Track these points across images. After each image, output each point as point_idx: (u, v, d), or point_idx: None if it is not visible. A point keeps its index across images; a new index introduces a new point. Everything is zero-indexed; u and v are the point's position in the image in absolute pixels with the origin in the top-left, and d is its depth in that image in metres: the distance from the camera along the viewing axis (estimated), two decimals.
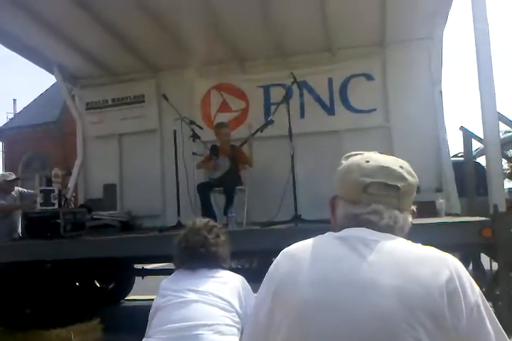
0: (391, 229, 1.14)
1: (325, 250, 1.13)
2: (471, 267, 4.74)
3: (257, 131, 5.57)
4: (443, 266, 1.06)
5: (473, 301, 1.05)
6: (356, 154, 1.23)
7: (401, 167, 1.17)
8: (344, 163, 1.22)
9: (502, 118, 4.37)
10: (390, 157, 1.21)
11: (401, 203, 1.15)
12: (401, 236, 1.14)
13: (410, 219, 1.19)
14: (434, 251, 1.10)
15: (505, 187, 5.19)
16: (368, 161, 1.17)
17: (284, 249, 1.20)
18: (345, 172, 1.19)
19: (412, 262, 1.06)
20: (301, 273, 1.09)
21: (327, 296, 1.05)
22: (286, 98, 5.31)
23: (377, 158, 1.18)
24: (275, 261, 1.19)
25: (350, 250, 1.09)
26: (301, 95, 6.24)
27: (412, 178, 1.17)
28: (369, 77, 6.34)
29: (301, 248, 1.17)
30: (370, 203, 1.14)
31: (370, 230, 1.13)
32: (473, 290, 1.07)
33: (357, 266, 1.06)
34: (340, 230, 1.17)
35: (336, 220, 1.22)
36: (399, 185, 1.14)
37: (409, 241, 1.13)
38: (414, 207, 1.21)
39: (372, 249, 1.08)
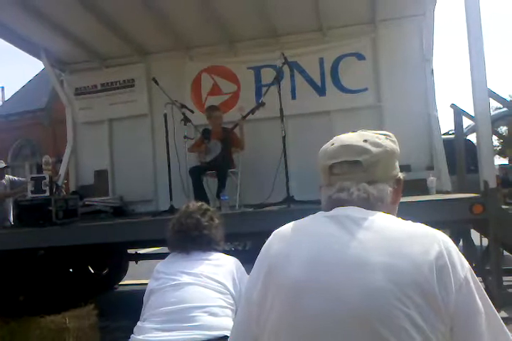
0: (367, 202, 1.14)
1: (315, 229, 1.13)
2: (461, 243, 4.79)
3: (249, 113, 5.54)
4: (432, 242, 1.06)
5: (463, 276, 1.05)
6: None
7: (365, 140, 1.17)
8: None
9: (492, 94, 4.36)
10: (357, 133, 1.21)
11: (370, 175, 1.15)
12: (385, 208, 1.14)
13: (390, 188, 1.18)
14: (423, 228, 1.10)
15: (495, 164, 5.23)
16: (333, 144, 1.20)
17: (275, 230, 1.20)
18: (318, 160, 1.22)
19: (401, 239, 1.06)
20: (292, 253, 1.10)
21: (318, 275, 1.05)
22: (278, 79, 5.26)
23: (342, 139, 1.20)
24: (267, 242, 1.19)
25: (340, 228, 1.09)
26: (292, 76, 6.19)
27: (378, 148, 1.16)
28: (360, 57, 6.30)
29: (293, 228, 1.17)
30: (336, 182, 1.16)
31: (358, 208, 1.12)
32: (463, 266, 1.07)
33: (347, 244, 1.06)
34: None
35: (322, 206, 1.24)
36: (360, 159, 1.14)
37: (399, 219, 1.13)
38: (400, 175, 1.20)
39: (362, 227, 1.08)
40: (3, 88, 23.99)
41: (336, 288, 1.03)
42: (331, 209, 1.16)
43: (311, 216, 1.19)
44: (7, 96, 22.06)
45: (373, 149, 1.15)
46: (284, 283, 1.08)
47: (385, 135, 1.21)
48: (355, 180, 1.14)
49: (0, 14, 5.65)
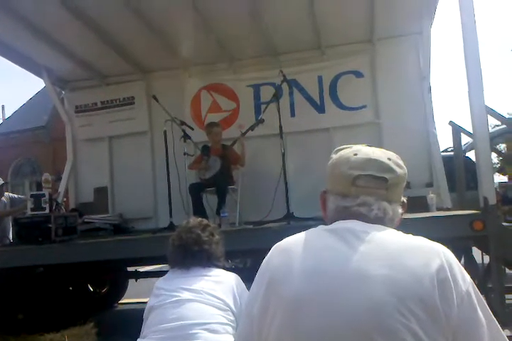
0: (381, 221, 1.14)
1: (316, 242, 1.14)
2: (463, 261, 4.76)
3: (248, 130, 5.57)
4: (433, 255, 1.06)
5: (465, 290, 1.05)
6: (345, 148, 1.23)
7: (389, 159, 1.17)
8: (334, 156, 1.23)
9: (490, 112, 4.38)
10: (378, 149, 1.21)
11: (390, 194, 1.15)
12: (391, 228, 1.15)
13: (400, 210, 1.19)
14: (424, 241, 1.11)
15: (495, 182, 5.23)
16: (356, 154, 1.18)
17: (276, 243, 1.20)
18: (335, 166, 1.20)
19: (402, 252, 1.06)
20: (292, 266, 1.10)
21: (319, 288, 1.05)
22: (277, 97, 5.31)
23: (365, 151, 1.19)
24: (267, 255, 1.19)
25: (341, 242, 1.09)
26: (291, 93, 6.25)
27: (400, 169, 1.17)
28: (358, 74, 6.37)
29: (293, 241, 1.17)
30: (358, 195, 1.14)
31: (360, 222, 1.13)
32: (464, 279, 1.07)
33: (347, 257, 1.06)
34: (331, 223, 1.18)
35: (327, 214, 1.23)
36: (387, 176, 1.14)
37: (400, 232, 1.14)
38: (404, 199, 1.21)
39: (363, 240, 1.08)
40: (3, 106, 24.13)
41: (337, 301, 1.02)
42: (339, 218, 1.16)
43: (311, 229, 1.19)
44: (7, 115, 22.17)
45: (397, 169, 1.16)
46: (285, 297, 1.07)
47: (397, 156, 1.21)
48: (376, 197, 1.14)
49: (2, 33, 5.71)
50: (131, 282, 6.81)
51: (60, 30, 5.73)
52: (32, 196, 5.00)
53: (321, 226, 1.18)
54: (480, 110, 4.05)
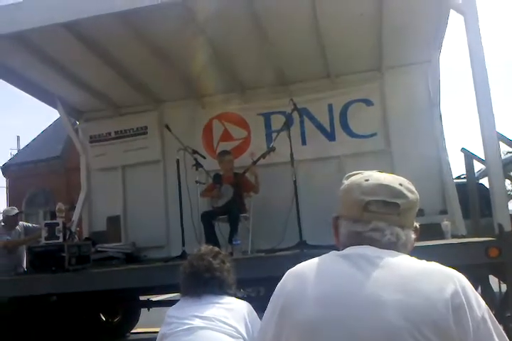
0: (394, 246, 1.14)
1: (329, 268, 1.14)
2: (479, 289, 4.67)
3: (259, 158, 5.61)
4: (448, 280, 1.06)
5: (480, 316, 1.05)
6: (356, 173, 1.25)
7: (400, 184, 1.18)
8: (345, 182, 1.24)
9: (502, 138, 4.39)
10: (390, 175, 1.22)
11: (402, 220, 1.16)
12: (404, 253, 1.15)
13: (413, 236, 1.19)
14: (438, 266, 1.11)
15: (510, 208, 5.17)
16: (367, 180, 1.19)
17: (289, 269, 1.21)
18: (346, 192, 1.21)
19: (416, 277, 1.06)
20: (306, 292, 1.10)
21: (333, 313, 1.05)
22: (287, 125, 5.36)
23: (376, 177, 1.20)
24: (281, 281, 1.20)
25: (354, 267, 1.10)
26: (302, 122, 6.30)
27: (412, 195, 1.18)
28: (368, 103, 6.42)
29: (306, 267, 1.18)
30: (371, 221, 1.15)
31: (372, 247, 1.13)
32: (479, 305, 1.06)
33: (361, 282, 1.06)
34: (343, 249, 1.18)
35: (339, 240, 1.23)
36: (398, 202, 1.15)
37: (413, 257, 1.14)
38: (417, 224, 1.21)
39: (376, 266, 1.08)
40: (18, 137, 24.55)
41: (351, 327, 1.02)
42: (351, 243, 1.17)
43: (324, 255, 1.19)
44: (22, 145, 22.52)
45: (409, 195, 1.17)
46: (299, 323, 1.07)
47: (408, 182, 1.22)
48: (388, 222, 1.15)
49: (17, 64, 5.84)
50: (144, 311, 6.76)
51: (75, 61, 5.87)
52: (46, 225, 5.05)
53: (334, 252, 1.18)
54: (491, 136, 4.05)
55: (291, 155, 5.11)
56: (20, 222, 6.31)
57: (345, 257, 1.13)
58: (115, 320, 6.94)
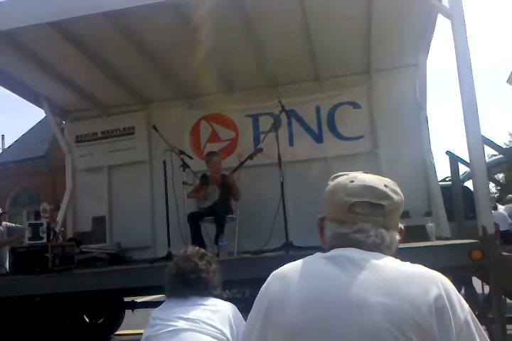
0: (378, 247, 1.14)
1: (313, 270, 1.14)
2: (463, 291, 4.72)
3: (247, 159, 5.61)
4: (431, 283, 1.06)
5: (463, 318, 1.05)
6: (342, 175, 1.24)
7: (385, 186, 1.18)
8: (331, 183, 1.23)
9: (487, 142, 4.43)
10: (375, 176, 1.22)
11: (387, 221, 1.16)
12: (389, 255, 1.15)
13: (398, 237, 1.19)
14: (422, 269, 1.11)
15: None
16: (352, 181, 1.18)
17: (274, 271, 1.20)
18: (331, 193, 1.20)
19: (400, 280, 1.06)
20: (290, 294, 1.10)
21: (316, 316, 1.05)
22: (275, 126, 5.37)
23: (362, 178, 1.19)
24: (265, 283, 1.19)
25: (338, 269, 1.10)
26: (290, 123, 6.31)
27: (397, 196, 1.18)
28: (356, 105, 6.45)
29: (290, 269, 1.17)
30: (356, 222, 1.15)
31: (357, 249, 1.13)
32: (463, 308, 1.07)
33: (345, 285, 1.06)
34: (329, 250, 1.18)
35: (324, 241, 1.23)
36: (383, 203, 1.15)
37: (398, 260, 1.14)
38: (401, 226, 1.22)
39: (360, 268, 1.08)
40: (3, 136, 24.27)
41: (335, 330, 1.02)
42: (336, 245, 1.17)
43: (309, 257, 1.19)
44: (7, 144, 22.26)
45: (394, 196, 1.17)
46: (283, 325, 1.07)
47: (394, 183, 1.22)
48: (373, 224, 1.15)
49: (2, 62, 5.78)
50: (128, 313, 6.71)
51: (62, 61, 5.82)
52: (30, 225, 4.99)
53: (319, 254, 1.18)
54: (476, 140, 4.09)
55: (279, 156, 5.12)
56: (4, 222, 6.23)
57: (330, 259, 1.13)
58: (99, 321, 6.88)
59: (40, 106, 6.94)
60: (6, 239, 6.01)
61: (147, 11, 4.62)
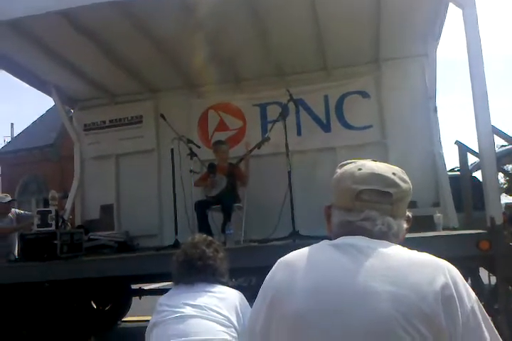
0: (385, 236, 1.13)
1: (320, 258, 1.13)
2: (469, 281, 4.71)
3: (254, 147, 5.61)
4: (438, 272, 1.05)
5: (470, 307, 1.05)
6: (350, 162, 1.24)
7: (394, 173, 1.17)
8: (338, 171, 1.23)
9: (497, 132, 4.39)
10: (383, 164, 1.21)
11: (394, 209, 1.15)
12: (396, 243, 1.14)
13: (405, 225, 1.19)
14: (429, 257, 1.10)
15: (502, 202, 5.20)
16: (360, 169, 1.18)
17: (280, 258, 1.20)
18: (339, 180, 1.20)
19: (407, 268, 1.06)
20: (296, 282, 1.09)
21: (322, 304, 1.04)
22: (283, 116, 5.35)
23: (370, 166, 1.19)
24: (271, 271, 1.19)
25: (345, 257, 1.09)
26: (298, 113, 6.29)
27: (405, 184, 1.17)
28: (364, 95, 6.41)
29: (296, 256, 1.17)
30: (363, 210, 1.14)
31: (364, 237, 1.13)
32: (470, 297, 1.06)
33: (351, 272, 1.06)
34: (335, 238, 1.17)
35: (331, 229, 1.22)
36: (391, 191, 1.14)
37: (405, 248, 1.13)
38: (409, 214, 1.21)
39: (367, 256, 1.08)
40: (12, 124, 24.39)
41: (340, 318, 1.02)
42: (343, 233, 1.16)
43: (315, 245, 1.18)
44: (16, 132, 22.37)
45: (402, 184, 1.16)
46: (288, 313, 1.07)
47: (402, 171, 1.21)
48: (381, 212, 1.14)
49: (12, 51, 5.80)
50: (135, 300, 6.78)
51: (70, 49, 5.83)
52: (39, 212, 5.03)
53: (325, 241, 1.17)
54: (486, 130, 4.06)
55: (286, 145, 5.11)
56: (13, 209, 6.29)
57: (337, 247, 1.13)
58: (106, 308, 6.95)
59: (49, 95, 6.97)
60: (15, 226, 6.07)
61: (156, 0, 4.60)
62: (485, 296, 4.27)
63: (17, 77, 6.46)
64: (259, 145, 5.55)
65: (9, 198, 6.26)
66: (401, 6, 5.15)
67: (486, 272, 4.58)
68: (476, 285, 4.41)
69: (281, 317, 1.08)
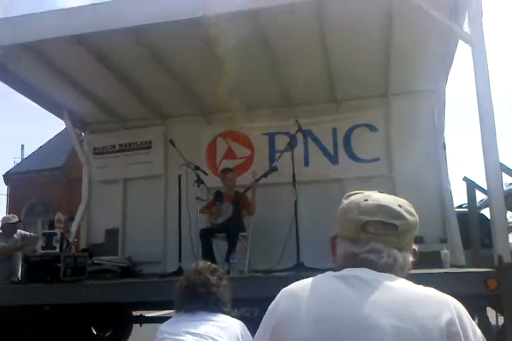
0: (390, 268, 1.13)
1: (324, 289, 1.13)
2: (476, 321, 4.61)
3: (261, 177, 5.62)
4: (444, 307, 1.05)
5: None
6: (356, 193, 1.24)
7: (399, 206, 1.17)
8: (344, 201, 1.23)
9: (505, 169, 4.39)
10: (389, 196, 1.21)
11: (400, 242, 1.15)
12: (401, 276, 1.13)
13: (411, 258, 1.18)
14: (435, 292, 1.09)
15: (511, 241, 5.13)
16: (366, 200, 1.18)
17: (284, 288, 1.19)
18: (345, 211, 1.20)
19: (412, 302, 1.05)
20: (300, 312, 1.09)
21: (326, 335, 1.03)
22: (291, 146, 5.39)
23: (376, 197, 1.19)
24: (274, 300, 1.18)
25: (349, 289, 1.09)
26: (306, 143, 6.34)
27: (411, 217, 1.17)
28: (372, 128, 6.45)
29: (301, 286, 1.16)
30: (368, 242, 1.13)
31: (369, 270, 1.12)
32: (475, 333, 1.05)
33: (356, 305, 1.05)
34: (340, 269, 1.17)
35: (336, 259, 1.22)
36: (397, 223, 1.14)
37: (411, 282, 1.12)
38: (415, 247, 1.20)
39: (372, 288, 1.07)
40: (23, 146, 24.65)
41: None
42: (348, 264, 1.15)
43: (320, 275, 1.18)
44: (26, 154, 22.58)
45: (408, 216, 1.16)
46: None
47: (408, 203, 1.20)
48: (386, 244, 1.13)
49: (27, 73, 5.91)
50: (136, 327, 6.67)
51: (84, 73, 5.94)
52: (44, 234, 5.03)
53: (330, 272, 1.17)
54: (494, 167, 4.05)
55: (293, 175, 5.13)
56: (19, 230, 6.30)
57: (341, 278, 1.12)
58: (106, 334, 6.85)
59: (61, 118, 7.07)
60: (19, 245, 6.06)
61: (169, 28, 4.71)
62: (492, 337, 4.18)
63: (31, 99, 6.56)
64: (266, 175, 5.57)
65: (16, 219, 6.29)
66: (410, 42, 5.24)
67: (494, 312, 4.48)
68: (484, 325, 4.31)
69: None
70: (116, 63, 5.73)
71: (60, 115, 7.06)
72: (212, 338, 2.10)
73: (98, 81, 6.10)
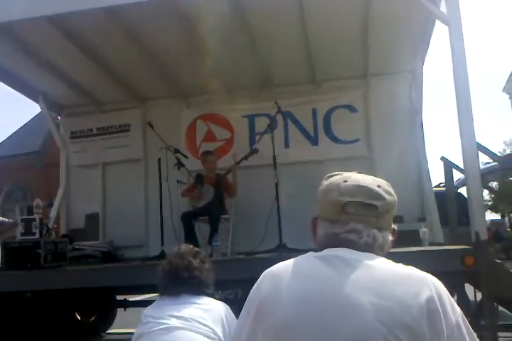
0: (370, 248, 1.14)
1: (305, 269, 1.14)
2: (455, 297, 4.73)
3: (242, 159, 5.61)
4: (423, 285, 1.06)
5: (454, 321, 1.06)
6: (336, 174, 1.24)
7: (379, 186, 1.18)
8: (324, 183, 1.23)
9: (482, 149, 4.45)
10: (368, 176, 1.22)
11: (380, 222, 1.16)
12: (381, 256, 1.15)
13: (391, 237, 1.20)
14: (414, 271, 1.11)
15: (488, 219, 5.25)
16: (346, 181, 1.18)
17: (266, 270, 1.20)
18: (325, 192, 1.20)
19: (392, 281, 1.06)
20: (281, 293, 1.10)
21: (307, 315, 1.05)
22: (271, 127, 5.38)
23: (355, 178, 1.19)
24: (257, 282, 1.19)
25: (330, 269, 1.10)
26: (286, 125, 6.34)
27: (390, 197, 1.18)
28: (352, 109, 6.47)
29: (282, 268, 1.17)
30: (348, 222, 1.14)
31: (350, 250, 1.13)
32: (454, 310, 1.07)
33: (337, 284, 1.06)
34: (321, 250, 1.18)
35: (316, 240, 1.23)
36: (376, 204, 1.15)
37: (390, 261, 1.14)
38: (394, 226, 1.22)
39: (353, 268, 1.08)
40: None
41: (325, 329, 1.02)
42: (328, 244, 1.17)
43: (301, 256, 1.19)
44: (1, 139, 22.17)
45: (387, 197, 1.17)
46: (273, 324, 1.07)
47: (387, 183, 1.22)
48: (366, 224, 1.14)
49: (2, 60, 5.78)
50: (120, 311, 6.69)
51: (58, 56, 5.82)
52: (23, 220, 4.97)
53: (311, 253, 1.18)
54: (471, 146, 4.11)
55: (274, 157, 5.13)
56: None
57: (322, 258, 1.13)
58: (91, 319, 6.85)
59: (36, 101, 6.91)
60: None
61: (145, 8, 4.61)
62: (471, 312, 4.28)
63: (4, 83, 6.40)
64: (246, 157, 5.56)
65: None
66: (388, 23, 5.23)
67: (472, 288, 4.60)
68: (462, 301, 4.43)
69: (267, 328, 1.08)
70: (90, 45, 5.62)
71: (34, 98, 6.90)
72: (196, 321, 2.11)
73: (73, 63, 5.98)
